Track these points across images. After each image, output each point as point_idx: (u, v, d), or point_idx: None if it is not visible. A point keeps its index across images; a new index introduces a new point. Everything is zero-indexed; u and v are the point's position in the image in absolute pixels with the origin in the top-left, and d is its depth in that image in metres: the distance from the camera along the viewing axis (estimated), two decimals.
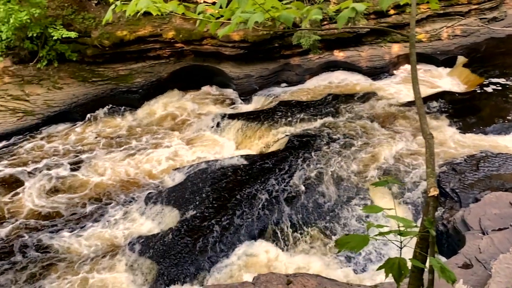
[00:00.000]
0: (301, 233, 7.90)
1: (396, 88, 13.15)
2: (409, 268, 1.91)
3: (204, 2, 12.31)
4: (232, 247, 7.61)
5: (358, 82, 13.63)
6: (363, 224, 8.05)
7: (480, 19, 15.35)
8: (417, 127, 10.69)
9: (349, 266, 7.33)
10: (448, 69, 14.37)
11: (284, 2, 2.57)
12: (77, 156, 10.68)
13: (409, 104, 11.78)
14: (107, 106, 12.61)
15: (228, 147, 11.02)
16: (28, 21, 11.08)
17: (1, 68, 12.26)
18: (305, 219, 8.14)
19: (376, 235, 1.92)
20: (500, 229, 6.24)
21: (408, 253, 2.04)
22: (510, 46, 14.73)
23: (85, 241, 8.17)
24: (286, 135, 10.64)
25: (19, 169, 10.16)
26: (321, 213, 8.27)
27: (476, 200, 7.57)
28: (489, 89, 12.31)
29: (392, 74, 14.17)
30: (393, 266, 1.83)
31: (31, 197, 9.29)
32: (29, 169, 10.16)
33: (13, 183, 9.77)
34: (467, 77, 13.45)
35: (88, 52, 12.62)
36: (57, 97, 12.07)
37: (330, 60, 14.05)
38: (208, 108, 12.78)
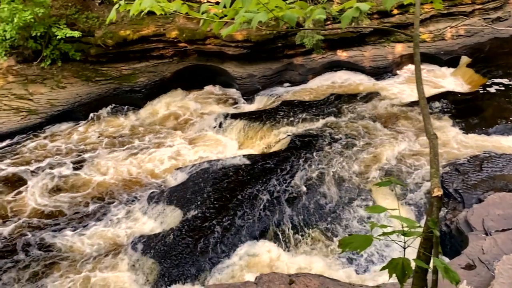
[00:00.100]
0: (302, 235, 7.89)
1: (399, 88, 13.12)
2: (413, 268, 1.91)
3: (208, 1, 12.32)
4: (234, 247, 7.61)
5: (361, 82, 13.61)
6: (364, 226, 8.03)
7: (484, 19, 15.30)
8: (419, 127, 10.66)
9: (351, 267, 7.32)
10: (451, 69, 14.33)
11: (287, 1, 2.56)
12: (80, 155, 10.71)
13: (412, 104, 11.75)
14: (110, 106, 12.63)
15: (230, 147, 11.03)
16: (32, 20, 11.11)
17: (5, 67, 12.31)
18: (306, 220, 8.13)
19: (379, 235, 1.91)
20: (503, 230, 6.22)
21: (411, 254, 2.03)
22: None
23: (88, 240, 8.19)
24: (289, 135, 10.63)
25: (22, 168, 10.19)
26: (323, 214, 8.26)
27: (480, 200, 7.54)
28: (493, 89, 12.27)
29: (396, 74, 14.14)
30: (397, 267, 1.82)
31: (34, 196, 9.32)
32: (32, 168, 10.19)
33: (16, 182, 9.80)
34: (471, 77, 13.41)
35: (91, 52, 12.65)
36: (61, 96, 12.11)
37: (333, 60, 14.04)
38: (211, 108, 12.78)
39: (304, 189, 8.73)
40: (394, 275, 1.86)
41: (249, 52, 13.09)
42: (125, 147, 11.03)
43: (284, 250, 7.66)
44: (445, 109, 11.47)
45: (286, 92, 13.21)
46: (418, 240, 2.03)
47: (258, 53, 13.30)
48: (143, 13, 2.60)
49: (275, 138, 10.79)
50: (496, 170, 8.71)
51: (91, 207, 9.03)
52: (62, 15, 12.44)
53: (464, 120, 10.90)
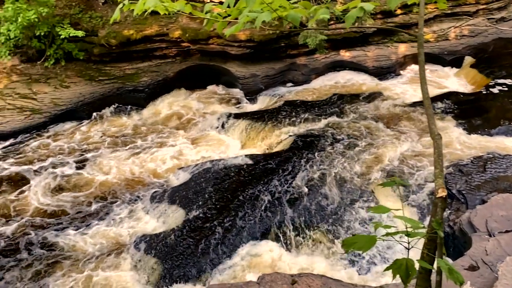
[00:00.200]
0: (304, 236, 7.87)
1: (402, 88, 13.09)
2: (417, 269, 1.90)
3: (211, 1, 12.33)
4: (236, 247, 7.60)
5: (364, 82, 13.58)
6: (366, 227, 8.01)
7: (488, 19, 15.23)
8: (422, 128, 10.63)
9: (353, 268, 7.31)
10: (455, 70, 14.28)
11: (291, 1, 2.56)
12: (83, 154, 10.73)
13: (415, 104, 11.71)
14: (113, 105, 12.64)
15: (233, 146, 11.03)
16: (36, 20, 11.14)
17: (9, 67, 12.35)
18: (308, 221, 8.11)
19: (383, 236, 1.91)
20: (507, 231, 6.20)
21: (414, 255, 2.02)
22: None
23: (90, 239, 8.21)
24: (291, 135, 10.62)
25: (25, 167, 10.22)
26: (324, 216, 8.22)
27: (483, 201, 7.52)
28: (497, 90, 12.22)
29: (399, 74, 14.10)
30: (401, 267, 1.82)
31: (36, 195, 9.34)
32: (35, 167, 10.22)
33: (19, 181, 9.83)
34: (474, 78, 13.36)
35: (95, 51, 12.68)
36: (64, 95, 12.14)
37: (336, 60, 14.01)
38: (214, 108, 12.78)
39: (306, 190, 8.71)
40: (398, 275, 1.85)
41: (252, 52, 13.08)
42: (127, 147, 11.04)
43: (286, 251, 7.65)
44: (449, 110, 11.43)
45: (289, 92, 13.19)
46: (421, 241, 2.02)
47: (261, 53, 13.29)
48: (146, 13, 2.61)
49: (278, 138, 10.78)
50: (500, 171, 8.67)
51: (94, 207, 9.05)
52: (66, 15, 12.47)
53: (467, 120, 10.86)
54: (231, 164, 9.59)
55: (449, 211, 7.84)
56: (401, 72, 14.24)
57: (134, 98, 12.76)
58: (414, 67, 14.39)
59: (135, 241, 7.89)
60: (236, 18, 2.59)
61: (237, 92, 13.52)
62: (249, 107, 12.89)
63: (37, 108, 11.74)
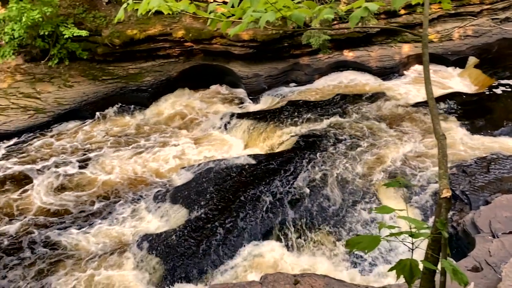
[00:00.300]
0: (305, 237, 7.86)
1: (405, 89, 13.05)
2: (421, 269, 1.89)
3: (215, 1, 12.33)
4: (238, 247, 7.60)
5: (367, 82, 13.55)
6: (368, 229, 7.99)
7: (492, 19, 15.17)
8: (425, 128, 10.60)
9: (355, 269, 7.30)
10: (459, 70, 14.23)
11: (295, 1, 2.56)
12: (86, 154, 10.75)
13: (418, 105, 11.68)
14: (116, 105, 12.65)
15: (236, 146, 11.03)
16: (40, 19, 11.18)
17: (13, 66, 12.40)
18: (310, 222, 8.08)
19: (387, 236, 1.90)
20: (510, 232, 6.17)
21: (416, 256, 2.02)
22: None
23: (93, 238, 8.23)
24: (294, 136, 10.61)
25: (28, 166, 10.25)
26: (326, 217, 8.20)
27: (487, 202, 7.48)
28: (500, 91, 12.17)
29: (402, 75, 14.06)
30: (405, 268, 1.81)
31: (39, 194, 9.37)
32: (38, 166, 10.24)
33: (22, 180, 9.86)
34: (478, 78, 13.30)
35: (98, 51, 12.71)
36: (68, 95, 12.17)
37: (339, 60, 13.99)
38: (217, 107, 12.78)
39: (308, 191, 8.68)
40: (402, 276, 1.84)
41: (255, 51, 13.08)
42: (130, 146, 11.06)
43: (288, 251, 7.64)
44: (452, 110, 11.39)
45: (292, 92, 13.18)
46: (424, 242, 2.01)
47: (264, 53, 13.29)
48: (150, 12, 2.61)
49: (280, 138, 10.77)
50: (504, 172, 8.64)
51: (97, 206, 9.07)
52: (70, 14, 12.51)
53: (471, 121, 10.81)
54: (233, 164, 9.58)
55: (452, 212, 7.81)
56: (405, 72, 14.20)
57: (138, 97, 12.78)
58: (418, 67, 14.34)
59: (137, 240, 7.90)
60: (240, 18, 2.58)
61: (240, 92, 13.52)
62: (252, 107, 12.88)
63: (41, 108, 11.78)
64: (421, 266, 1.90)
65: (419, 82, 13.39)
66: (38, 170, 10.13)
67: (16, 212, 8.91)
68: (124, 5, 2.63)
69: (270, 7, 2.39)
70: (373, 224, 8.07)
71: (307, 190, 8.67)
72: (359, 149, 9.95)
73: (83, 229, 8.44)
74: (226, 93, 13.61)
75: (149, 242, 7.77)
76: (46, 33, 11.73)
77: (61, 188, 9.62)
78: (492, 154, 9.26)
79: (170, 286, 7.13)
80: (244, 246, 7.64)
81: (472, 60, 14.24)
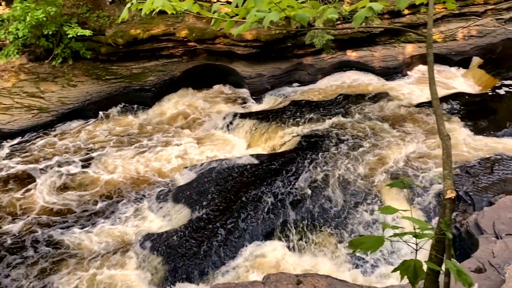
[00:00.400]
0: (307, 238, 7.85)
1: (409, 89, 13.02)
2: (425, 270, 1.89)
3: (218, 1, 12.33)
4: (240, 248, 7.60)
5: (370, 82, 13.53)
6: (370, 231, 7.97)
7: (497, 19, 15.11)
8: (428, 129, 10.56)
9: (357, 269, 7.28)
10: (462, 70, 14.18)
11: (299, 1, 2.55)
12: (88, 153, 10.77)
13: (421, 105, 11.65)
14: (119, 104, 12.68)
15: (238, 146, 11.03)
16: (44, 19, 11.21)
17: (17, 66, 12.44)
18: (311, 223, 8.07)
19: (390, 236, 1.89)
20: None
21: (420, 257, 2.01)
22: None
23: (96, 237, 8.24)
24: (296, 136, 10.59)
25: (32, 165, 10.28)
26: (327, 218, 8.17)
27: (490, 203, 7.46)
28: (504, 91, 12.12)
29: (406, 75, 14.03)
30: (409, 268, 1.80)
31: (42, 194, 9.39)
32: (41, 166, 10.27)
33: (25, 179, 9.89)
34: (482, 78, 13.26)
35: (102, 50, 12.74)
36: (71, 94, 12.21)
37: (343, 60, 13.97)
38: (220, 107, 12.79)
39: (309, 191, 8.66)
40: (405, 277, 1.84)
41: (259, 51, 13.08)
42: (133, 146, 11.08)
43: (289, 251, 7.64)
44: (456, 111, 11.35)
45: (295, 92, 13.17)
46: (428, 243, 2.00)
47: (267, 53, 13.29)
48: (154, 12, 2.61)
49: (283, 138, 10.76)
50: (508, 173, 8.60)
51: (99, 205, 9.08)
52: (74, 14, 12.55)
53: (474, 121, 10.77)
54: (236, 164, 9.58)
55: (456, 213, 7.79)
56: (408, 72, 14.16)
57: (141, 97, 12.80)
58: (421, 68, 14.31)
59: (140, 240, 7.91)
60: (244, 18, 2.58)
61: (244, 92, 13.52)
62: (255, 107, 12.88)
63: (45, 107, 11.82)
64: (425, 267, 1.90)
65: (423, 83, 13.36)
66: (41, 169, 10.16)
67: (19, 211, 8.94)
68: (128, 4, 2.63)
69: (274, 7, 2.39)
70: (374, 225, 8.05)
71: (309, 191, 8.66)
72: (361, 149, 9.93)
73: (86, 228, 8.46)
74: (229, 93, 13.61)
75: (151, 242, 7.78)
76: (50, 33, 11.77)
77: (64, 188, 9.64)
78: (496, 155, 9.22)
79: (172, 286, 7.14)
80: (246, 246, 7.64)
81: (476, 60, 14.19)
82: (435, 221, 7.84)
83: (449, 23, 14.87)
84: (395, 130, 10.63)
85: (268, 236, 7.85)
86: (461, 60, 14.29)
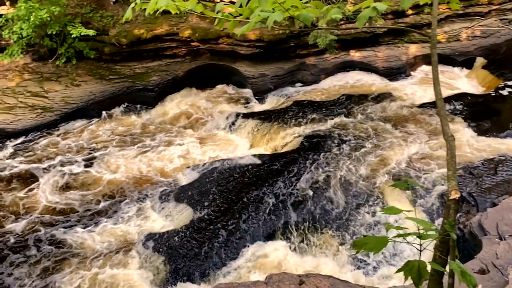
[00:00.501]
0: (309, 239, 7.84)
1: (412, 89, 12.98)
2: (429, 271, 1.88)
3: (221, 1, 12.34)
4: (242, 248, 7.61)
5: (373, 82, 13.50)
6: (372, 233, 7.95)
7: (501, 19, 15.05)
8: (430, 130, 10.52)
9: (359, 270, 7.27)
10: (466, 71, 14.13)
11: (303, 1, 2.55)
12: (91, 153, 10.80)
13: (424, 106, 11.61)
14: (123, 104, 12.69)
15: (241, 146, 11.02)
16: (48, 19, 11.24)
17: (21, 65, 12.48)
18: (313, 224, 8.06)
19: (394, 237, 1.89)
20: None
21: (424, 257, 2.00)
22: None
23: (98, 237, 8.26)
24: (299, 136, 10.57)
25: (35, 165, 10.31)
26: (329, 220, 8.16)
27: (494, 204, 7.43)
28: (508, 92, 12.06)
29: (409, 75, 13.99)
30: (413, 269, 1.79)
31: (45, 193, 9.42)
32: (44, 165, 10.30)
33: (28, 179, 9.92)
34: (486, 79, 13.20)
35: (105, 50, 12.77)
36: (75, 94, 12.24)
37: (346, 60, 13.95)
38: (223, 107, 12.79)
39: (311, 192, 8.65)
40: (409, 277, 1.83)
41: (262, 51, 13.08)
42: (136, 146, 11.09)
43: (291, 251, 7.63)
44: (459, 111, 11.31)
45: (298, 92, 13.16)
46: (432, 244, 1.99)
47: (270, 53, 13.28)
48: (158, 12, 2.61)
49: (285, 138, 10.75)
50: (511, 174, 8.56)
51: (102, 205, 9.10)
52: (77, 14, 12.58)
53: (478, 122, 10.73)
54: (238, 164, 9.58)
55: (459, 214, 7.75)
56: (412, 73, 14.12)
57: (144, 97, 12.82)
58: (425, 68, 14.26)
59: (142, 239, 7.93)
60: (248, 18, 2.58)
61: (247, 92, 13.51)
62: (257, 107, 12.87)
63: (48, 106, 11.85)
64: (429, 268, 1.89)
65: (426, 83, 13.31)
66: (44, 169, 10.19)
67: (22, 211, 8.97)
68: (132, 4, 2.63)
69: (278, 6, 2.38)
70: (376, 227, 8.03)
71: (311, 192, 8.64)
72: (363, 150, 9.90)
73: (89, 227, 8.48)
74: (232, 93, 13.61)
75: (154, 242, 7.79)
76: (54, 32, 11.81)
77: (67, 187, 9.67)
78: (500, 156, 9.18)
79: (174, 286, 7.15)
80: (248, 247, 7.64)
81: (480, 60, 14.13)
82: (438, 222, 7.81)
83: (453, 23, 14.82)
84: (398, 131, 10.60)
85: (270, 236, 7.85)
86: (464, 61, 14.24)
